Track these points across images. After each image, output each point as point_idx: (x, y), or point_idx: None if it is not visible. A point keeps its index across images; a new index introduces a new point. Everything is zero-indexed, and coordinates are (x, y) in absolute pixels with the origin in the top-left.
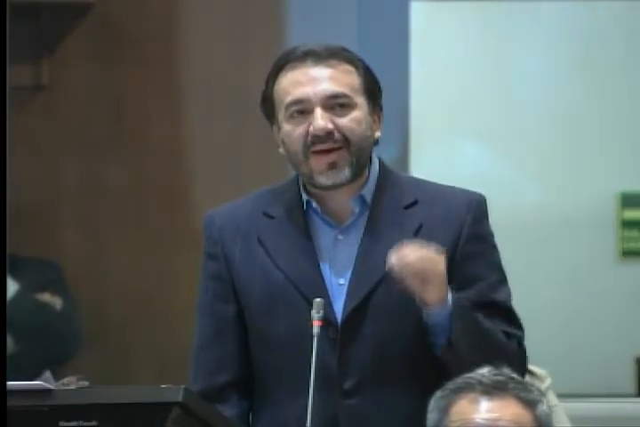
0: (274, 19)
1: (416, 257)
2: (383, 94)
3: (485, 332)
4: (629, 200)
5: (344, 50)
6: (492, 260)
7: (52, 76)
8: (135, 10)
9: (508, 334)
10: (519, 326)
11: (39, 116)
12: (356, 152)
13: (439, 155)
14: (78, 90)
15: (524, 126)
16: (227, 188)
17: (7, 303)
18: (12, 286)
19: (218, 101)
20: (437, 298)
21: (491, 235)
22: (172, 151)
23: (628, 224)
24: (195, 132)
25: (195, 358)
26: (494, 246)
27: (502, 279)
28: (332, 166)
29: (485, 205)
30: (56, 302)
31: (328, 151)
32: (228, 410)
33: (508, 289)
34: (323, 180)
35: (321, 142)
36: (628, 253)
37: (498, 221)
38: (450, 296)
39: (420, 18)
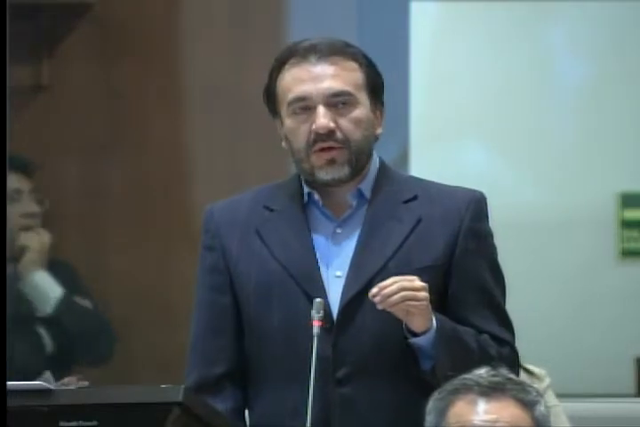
0: (274, 19)
1: (397, 289)
2: (383, 95)
3: (472, 354)
4: (629, 200)
5: (347, 45)
6: (489, 259)
7: (52, 76)
8: (135, 10)
9: (500, 341)
10: (511, 329)
11: (39, 116)
12: (355, 151)
13: (439, 155)
14: (78, 90)
15: (524, 127)
16: (227, 187)
17: (53, 308)
18: (56, 290)
19: (218, 101)
20: (421, 327)
21: (490, 234)
22: (172, 151)
23: (628, 224)
24: (195, 131)
25: (191, 350)
26: (492, 245)
27: (498, 280)
28: (332, 163)
29: (485, 203)
30: (87, 303)
31: (329, 149)
32: (223, 403)
33: (504, 290)
34: (322, 175)
35: (322, 141)
36: (628, 253)
37: (498, 221)
38: (434, 323)
39: (420, 18)
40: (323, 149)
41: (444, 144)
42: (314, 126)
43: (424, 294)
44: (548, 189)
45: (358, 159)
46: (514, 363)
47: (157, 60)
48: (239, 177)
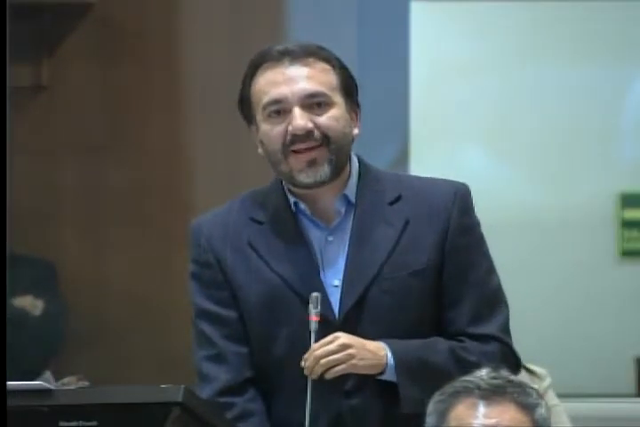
0: (274, 19)
1: (313, 361)
2: (383, 95)
3: (444, 373)
4: (629, 200)
5: (320, 48)
6: (480, 250)
7: (52, 76)
8: (135, 10)
9: (486, 338)
10: (503, 316)
11: (39, 116)
12: (335, 149)
13: (439, 155)
14: (78, 90)
15: (524, 127)
16: (227, 188)
17: None
18: None
19: (217, 101)
20: (373, 371)
21: (477, 225)
22: (172, 151)
23: (627, 224)
24: (194, 132)
25: (210, 358)
26: (481, 236)
27: (490, 268)
28: (312, 164)
29: (470, 195)
30: (37, 304)
31: (307, 150)
32: (255, 403)
33: (496, 277)
34: (302, 178)
35: (300, 141)
36: (628, 253)
37: (498, 221)
38: (390, 361)
39: (419, 18)
40: (301, 151)
41: (443, 144)
42: (290, 128)
43: (345, 354)
44: (548, 188)
45: (338, 157)
46: (504, 357)
47: (157, 60)
48: (239, 177)
